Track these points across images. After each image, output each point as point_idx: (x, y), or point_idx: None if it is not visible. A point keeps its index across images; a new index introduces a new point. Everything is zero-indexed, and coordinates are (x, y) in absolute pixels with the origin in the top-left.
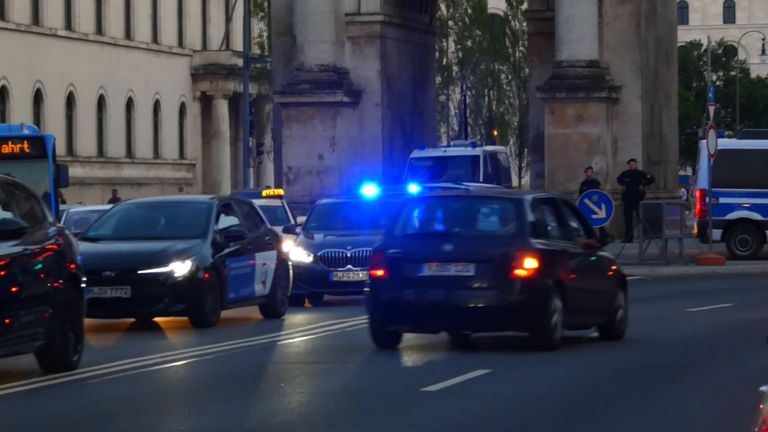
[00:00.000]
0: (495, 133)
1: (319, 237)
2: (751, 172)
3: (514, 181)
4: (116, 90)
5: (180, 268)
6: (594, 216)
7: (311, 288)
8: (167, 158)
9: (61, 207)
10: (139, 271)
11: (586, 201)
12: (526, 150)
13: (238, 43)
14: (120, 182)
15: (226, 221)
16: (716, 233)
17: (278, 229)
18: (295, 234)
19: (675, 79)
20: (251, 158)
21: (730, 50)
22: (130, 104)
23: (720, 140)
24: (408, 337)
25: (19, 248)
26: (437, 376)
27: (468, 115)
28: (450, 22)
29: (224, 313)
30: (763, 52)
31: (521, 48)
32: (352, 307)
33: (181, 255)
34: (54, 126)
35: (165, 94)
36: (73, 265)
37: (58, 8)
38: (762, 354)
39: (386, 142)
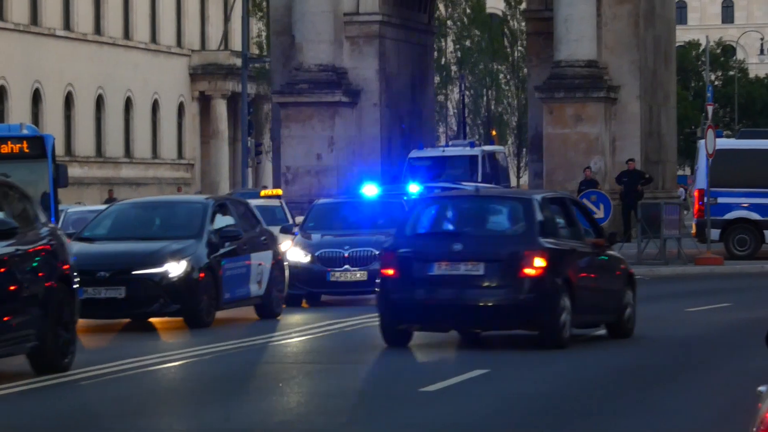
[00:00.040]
0: (493, 132)
1: (316, 237)
2: (749, 172)
3: (513, 181)
4: (115, 90)
5: (175, 269)
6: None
7: (308, 288)
8: (166, 158)
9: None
10: (134, 272)
11: (585, 201)
12: (524, 150)
13: (236, 43)
14: (118, 182)
15: (222, 221)
16: (715, 233)
17: (276, 229)
18: (293, 234)
19: (673, 78)
20: (250, 158)
21: (728, 50)
22: (128, 104)
23: (718, 140)
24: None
25: (11, 249)
26: (435, 376)
27: (466, 114)
28: (449, 22)
29: (219, 314)
30: (762, 51)
31: (520, 48)
32: (349, 308)
33: (176, 255)
34: (52, 126)
35: (163, 94)
36: (65, 266)
37: (56, 8)
38: (761, 354)
39: (385, 142)
